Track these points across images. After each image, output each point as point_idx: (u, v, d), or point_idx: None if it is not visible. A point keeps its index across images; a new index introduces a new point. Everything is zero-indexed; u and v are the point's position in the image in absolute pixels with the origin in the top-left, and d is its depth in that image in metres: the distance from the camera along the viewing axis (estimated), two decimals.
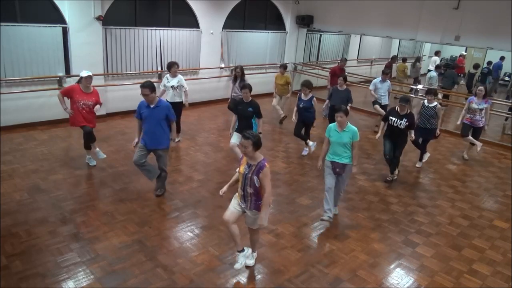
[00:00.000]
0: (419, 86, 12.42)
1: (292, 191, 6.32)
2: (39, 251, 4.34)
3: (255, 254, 4.41)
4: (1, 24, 7.40)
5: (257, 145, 3.74)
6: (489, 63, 14.58)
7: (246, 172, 3.83)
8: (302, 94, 7.49)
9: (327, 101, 8.57)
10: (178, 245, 4.67)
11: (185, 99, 7.75)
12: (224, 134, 8.80)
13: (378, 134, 6.99)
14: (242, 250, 4.19)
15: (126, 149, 7.44)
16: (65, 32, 8.29)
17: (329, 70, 11.42)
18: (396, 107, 6.57)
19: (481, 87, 7.89)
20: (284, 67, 9.77)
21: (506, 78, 16.67)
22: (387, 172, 7.26)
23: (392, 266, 4.59)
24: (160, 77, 10.13)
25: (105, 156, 6.62)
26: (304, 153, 7.89)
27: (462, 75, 15.79)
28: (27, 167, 6.36)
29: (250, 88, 6.42)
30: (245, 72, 9.12)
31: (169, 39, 10.03)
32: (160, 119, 5.33)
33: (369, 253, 4.77)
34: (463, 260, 4.78)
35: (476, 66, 13.91)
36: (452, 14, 9.71)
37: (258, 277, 4.23)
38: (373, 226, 5.40)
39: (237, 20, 11.54)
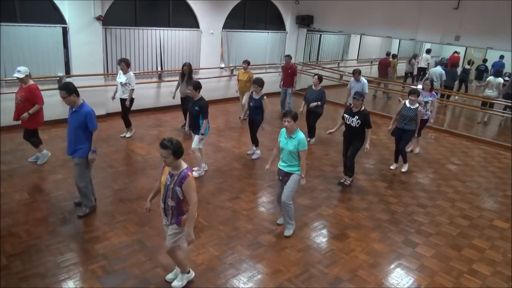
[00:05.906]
0: (419, 86, 12.40)
1: None
2: (39, 251, 4.33)
3: (186, 275, 3.98)
4: (1, 24, 7.40)
5: (177, 153, 3.42)
6: (485, 60, 14.56)
7: (168, 183, 3.54)
8: (254, 93, 7.11)
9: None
10: None
11: (128, 96, 7.63)
12: (224, 134, 8.80)
13: (331, 130, 6.64)
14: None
15: (126, 149, 7.45)
16: (65, 32, 8.29)
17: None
18: (351, 104, 6.19)
19: (427, 81, 7.75)
20: (247, 63, 9.48)
21: (506, 78, 16.74)
22: (387, 172, 7.27)
23: (392, 266, 4.59)
24: (160, 77, 10.14)
25: (44, 161, 6.56)
26: (255, 156, 7.49)
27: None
28: (27, 167, 6.36)
29: (196, 85, 6.14)
30: None
31: (169, 39, 10.03)
32: (77, 126, 4.75)
33: (369, 253, 4.77)
34: (463, 260, 4.79)
35: (470, 63, 13.93)
36: (452, 14, 9.72)
37: (258, 277, 4.23)
38: (373, 226, 5.40)
39: (237, 20, 11.54)
